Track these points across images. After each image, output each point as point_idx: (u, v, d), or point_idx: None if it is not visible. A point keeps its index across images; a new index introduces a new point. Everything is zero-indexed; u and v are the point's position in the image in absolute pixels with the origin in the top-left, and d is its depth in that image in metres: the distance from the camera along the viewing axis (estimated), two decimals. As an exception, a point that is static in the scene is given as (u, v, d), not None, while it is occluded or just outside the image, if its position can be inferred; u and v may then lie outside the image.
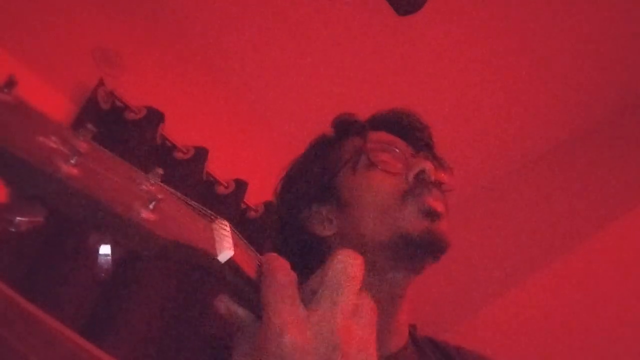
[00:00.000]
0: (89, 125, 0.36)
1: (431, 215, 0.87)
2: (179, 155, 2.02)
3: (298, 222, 0.96)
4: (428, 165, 0.91)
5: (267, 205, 2.13)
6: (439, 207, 0.89)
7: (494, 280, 2.23)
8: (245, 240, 0.49)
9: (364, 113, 1.05)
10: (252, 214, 2.15)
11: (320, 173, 0.97)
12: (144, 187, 0.39)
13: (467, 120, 2.37)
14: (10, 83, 0.33)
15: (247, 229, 2.10)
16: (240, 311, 0.48)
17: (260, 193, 2.09)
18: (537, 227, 2.25)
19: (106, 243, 0.39)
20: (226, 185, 2.11)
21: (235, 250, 0.44)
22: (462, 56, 2.19)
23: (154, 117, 1.96)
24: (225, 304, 0.49)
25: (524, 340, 2.00)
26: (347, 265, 0.47)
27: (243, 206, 2.15)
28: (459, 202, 2.43)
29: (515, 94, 2.28)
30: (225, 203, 2.08)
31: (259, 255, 0.50)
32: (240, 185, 2.13)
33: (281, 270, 0.47)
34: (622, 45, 2.10)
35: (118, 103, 1.93)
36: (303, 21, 2.17)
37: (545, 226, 2.23)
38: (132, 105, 1.94)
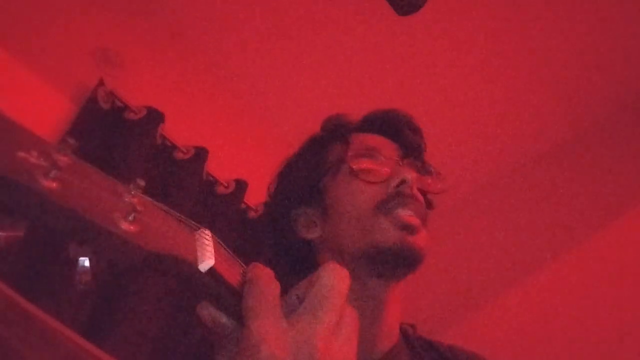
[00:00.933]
0: (70, 139, 0.37)
1: (405, 227, 0.88)
2: (179, 155, 2.02)
3: (287, 222, 0.97)
4: (410, 175, 0.91)
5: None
6: (414, 220, 0.89)
7: (494, 280, 2.23)
8: (228, 249, 0.49)
9: (363, 113, 1.05)
10: (252, 214, 2.15)
11: (307, 175, 0.98)
12: (124, 199, 0.40)
13: (467, 120, 2.37)
14: None
15: (247, 229, 2.10)
16: (224, 319, 0.48)
17: (260, 193, 2.07)
18: (537, 227, 2.25)
19: (87, 255, 0.39)
20: (226, 185, 2.11)
21: (216, 259, 0.45)
22: (462, 56, 2.19)
23: (154, 117, 1.96)
24: (208, 311, 0.48)
25: (524, 340, 2.00)
26: (334, 280, 0.47)
27: (243, 206, 2.15)
28: (459, 202, 2.43)
29: (515, 94, 2.28)
30: (225, 203, 2.08)
31: (242, 264, 0.50)
32: (240, 185, 2.13)
33: (264, 280, 0.47)
34: (622, 46, 2.10)
35: (118, 103, 1.93)
36: (303, 21, 2.17)
37: (545, 226, 2.23)
38: (132, 105, 1.94)
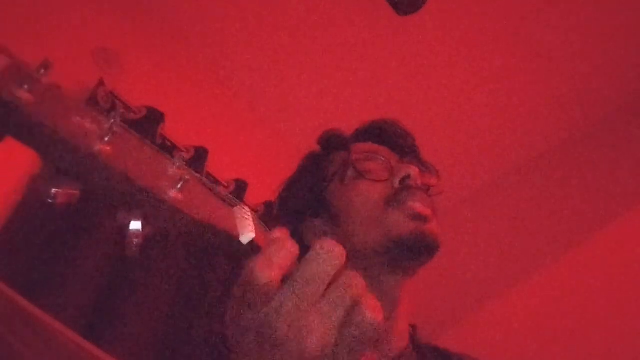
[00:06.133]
0: (120, 109, 0.39)
1: (417, 217, 0.89)
2: (179, 155, 2.02)
3: (295, 237, 0.97)
4: (413, 170, 0.93)
5: (267, 205, 2.13)
6: (424, 210, 0.90)
7: (494, 280, 2.23)
8: (267, 228, 0.51)
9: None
10: (252, 214, 2.15)
11: (310, 187, 1.00)
12: (170, 169, 0.42)
13: (467, 120, 2.37)
14: (46, 65, 0.36)
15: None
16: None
17: (260, 193, 2.09)
18: (537, 227, 2.25)
19: (135, 219, 0.40)
20: (226, 185, 2.11)
21: (257, 234, 0.46)
22: (462, 56, 2.20)
23: (154, 117, 1.96)
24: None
25: (524, 340, 2.00)
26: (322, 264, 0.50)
27: (243, 206, 2.15)
28: (459, 202, 2.43)
29: (515, 94, 2.28)
30: (226, 203, 2.08)
31: None
32: (240, 185, 2.13)
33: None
34: (622, 45, 2.10)
35: (118, 103, 1.93)
36: (303, 21, 2.17)
37: (545, 226, 2.23)
38: (132, 105, 1.94)
